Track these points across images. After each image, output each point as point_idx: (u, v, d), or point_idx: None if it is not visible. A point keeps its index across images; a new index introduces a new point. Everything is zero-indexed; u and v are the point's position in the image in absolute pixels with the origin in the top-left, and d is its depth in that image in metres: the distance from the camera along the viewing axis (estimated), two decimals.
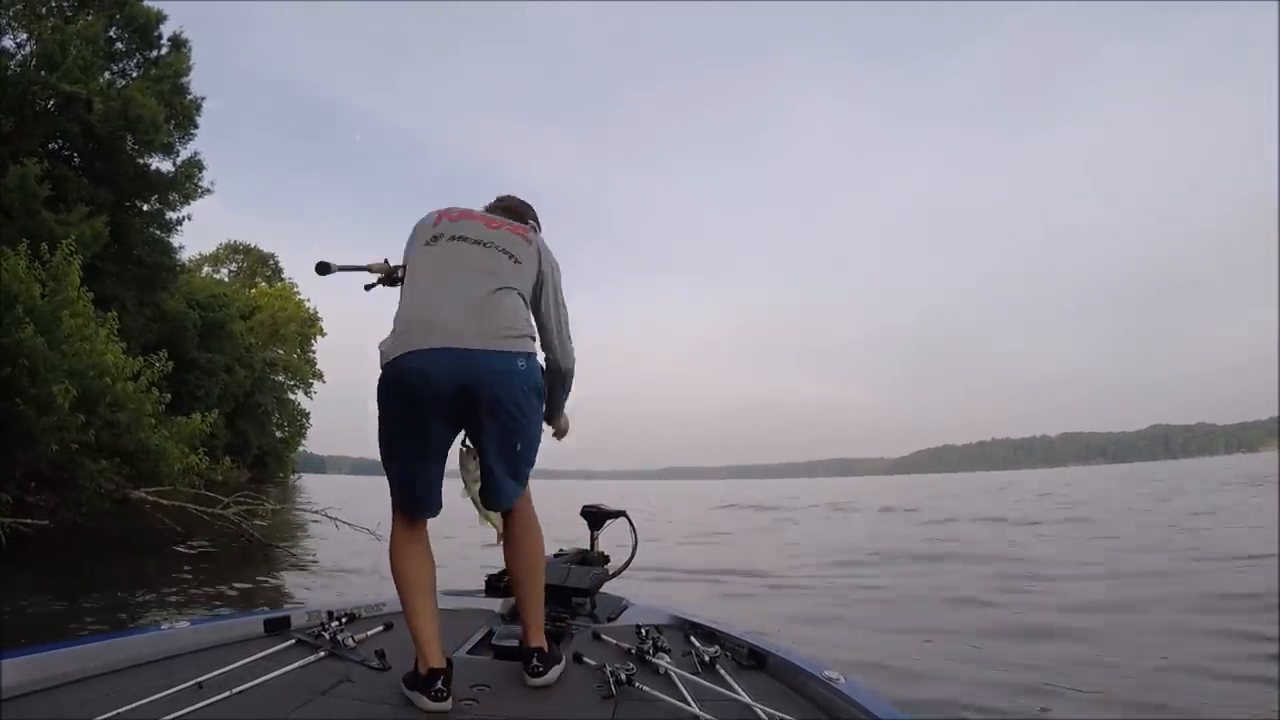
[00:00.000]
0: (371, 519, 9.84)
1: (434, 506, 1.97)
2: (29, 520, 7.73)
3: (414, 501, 1.93)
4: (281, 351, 39.84)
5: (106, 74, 19.11)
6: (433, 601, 1.91)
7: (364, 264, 2.01)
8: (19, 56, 17.29)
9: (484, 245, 1.99)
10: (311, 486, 38.16)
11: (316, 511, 10.38)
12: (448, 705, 1.74)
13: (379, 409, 1.89)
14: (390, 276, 2.04)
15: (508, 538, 2.12)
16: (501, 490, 1.98)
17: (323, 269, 1.94)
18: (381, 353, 1.87)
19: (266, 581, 7.22)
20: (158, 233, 21.23)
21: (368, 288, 2.07)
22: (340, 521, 9.78)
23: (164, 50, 20.35)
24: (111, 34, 19.49)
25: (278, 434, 39.90)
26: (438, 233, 2.01)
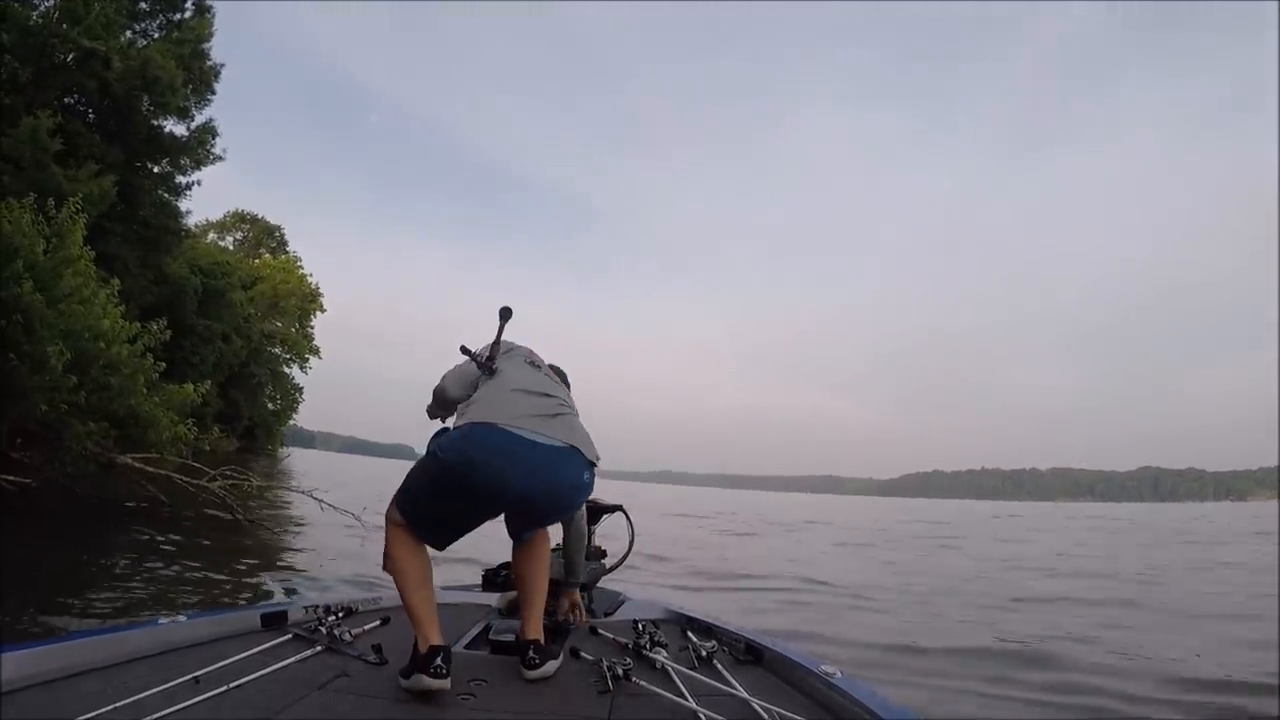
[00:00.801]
0: (358, 502, 9.79)
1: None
2: (12, 477, 7.66)
3: (432, 543, 2.02)
4: (280, 324, 39.75)
5: (128, 33, 18.98)
6: (430, 586, 1.94)
7: (499, 337, 2.15)
8: (42, 8, 17.18)
9: (561, 385, 2.24)
10: (300, 462, 38.04)
11: (302, 491, 10.29)
12: (447, 683, 1.74)
13: (438, 472, 1.94)
14: (483, 361, 2.14)
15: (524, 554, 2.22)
16: (525, 535, 2.19)
17: (506, 314, 2.09)
18: (460, 424, 1.97)
19: (249, 560, 7.14)
20: (166, 195, 21.10)
21: (463, 349, 2.17)
22: (326, 504, 9.69)
23: (188, 14, 20.26)
24: None
25: (270, 406, 39.79)
26: (534, 361, 2.25)
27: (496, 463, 1.86)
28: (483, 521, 2.03)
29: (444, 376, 2.22)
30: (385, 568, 1.97)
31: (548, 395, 2.07)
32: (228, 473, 9.57)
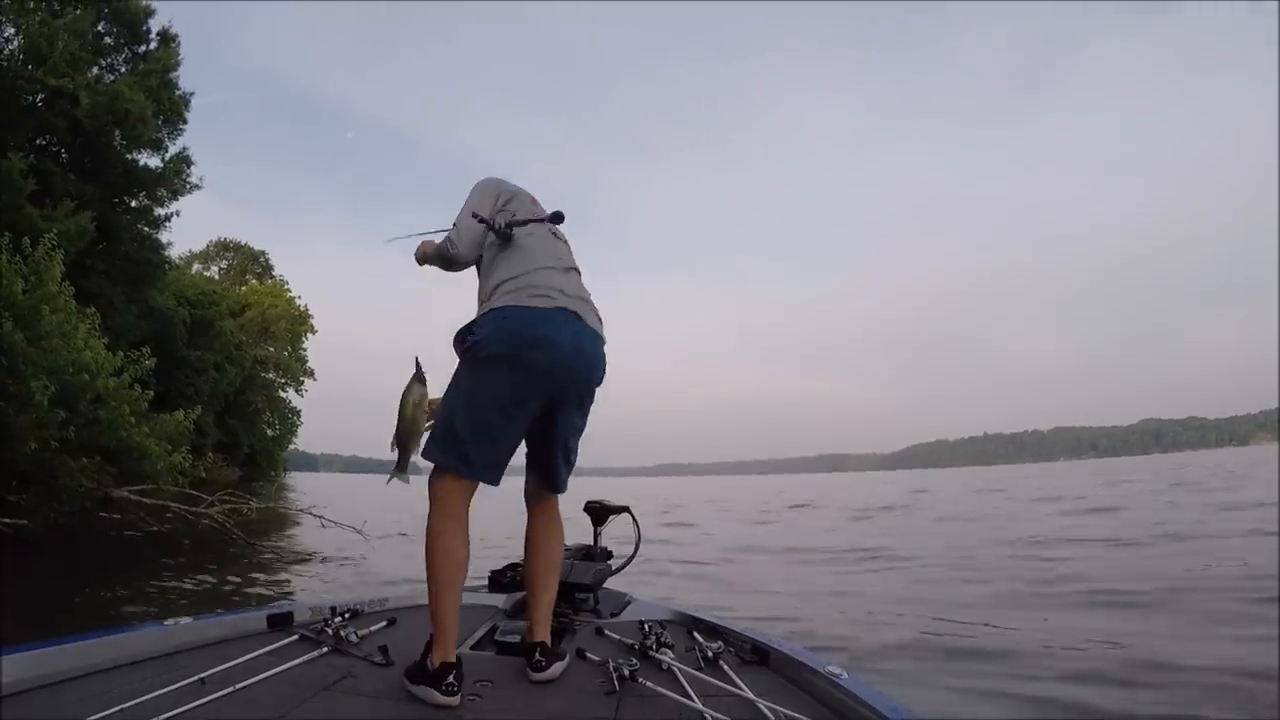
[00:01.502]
0: (358, 517, 9.79)
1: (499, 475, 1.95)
2: (8, 520, 7.63)
3: (486, 474, 1.91)
4: (272, 349, 39.61)
5: (95, 69, 18.89)
6: (460, 593, 1.87)
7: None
8: (6, 50, 17.08)
9: (569, 251, 2.17)
10: (301, 485, 37.95)
11: (303, 510, 10.30)
12: (456, 701, 1.73)
13: (479, 361, 1.88)
14: (500, 228, 2.05)
15: (533, 534, 2.12)
16: (564, 476, 2.10)
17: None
18: (498, 307, 1.90)
19: (252, 582, 7.13)
20: (146, 229, 21.00)
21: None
22: (327, 520, 9.69)
23: (153, 45, 20.16)
24: (100, 28, 19.26)
25: (269, 432, 39.67)
26: (538, 215, 2.10)
27: (537, 333, 1.85)
28: (527, 421, 1.95)
29: (458, 230, 2.08)
30: (427, 556, 1.86)
31: (571, 270, 2.07)
32: (225, 497, 9.56)
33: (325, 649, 2.10)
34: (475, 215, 2.04)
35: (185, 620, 2.11)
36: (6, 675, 1.60)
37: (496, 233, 2.03)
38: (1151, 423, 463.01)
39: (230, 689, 1.69)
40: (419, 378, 2.04)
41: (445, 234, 2.10)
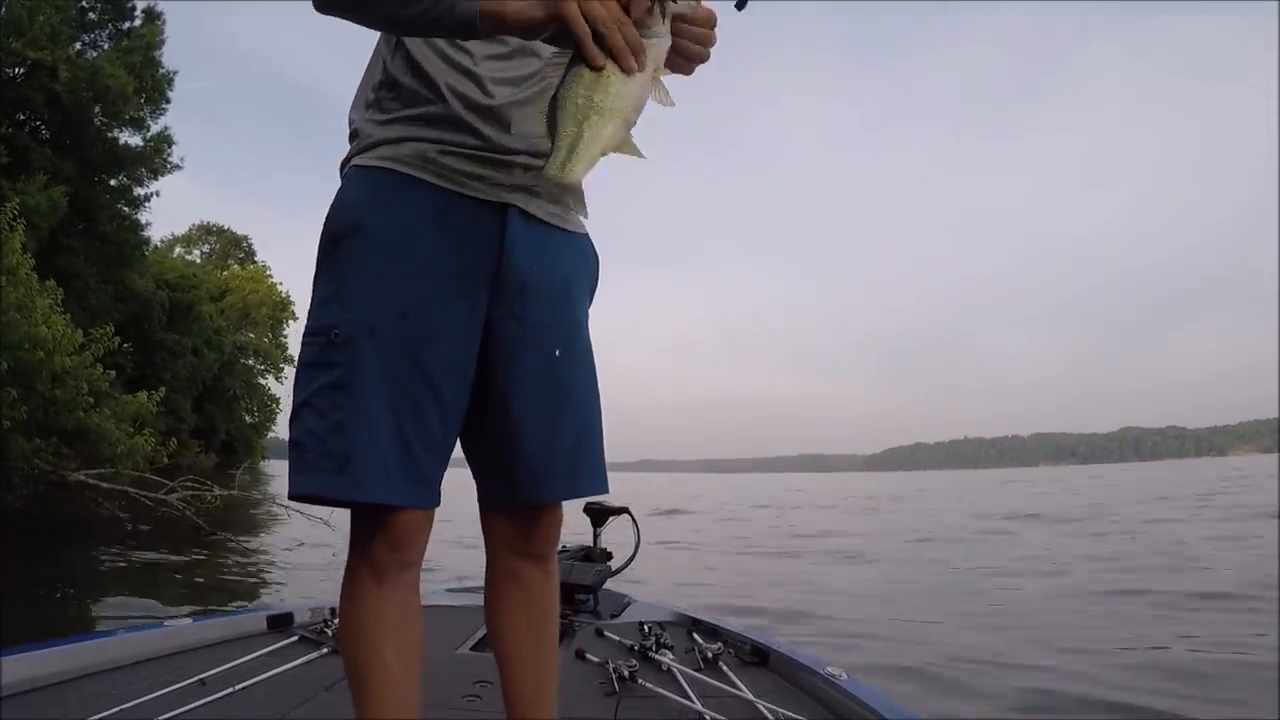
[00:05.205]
0: (325, 510, 9.55)
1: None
2: None
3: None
4: (252, 335, 39.34)
5: (77, 44, 18.65)
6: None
7: None
8: None
9: None
10: (282, 472, 37.57)
11: (266, 499, 10.10)
12: None
13: None
14: None
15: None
16: None
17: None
18: None
19: (208, 573, 6.96)
20: (125, 208, 20.83)
21: None
22: (292, 510, 9.50)
23: (137, 22, 19.96)
24: (84, 3, 19.05)
25: (247, 419, 39.32)
26: None
27: None
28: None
29: None
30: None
31: None
32: (187, 483, 9.33)
33: (325, 650, 2.10)
34: None
35: (185, 621, 2.13)
36: (6, 676, 1.59)
37: None
38: (1131, 431, 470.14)
39: (230, 690, 1.70)
40: None
41: None
